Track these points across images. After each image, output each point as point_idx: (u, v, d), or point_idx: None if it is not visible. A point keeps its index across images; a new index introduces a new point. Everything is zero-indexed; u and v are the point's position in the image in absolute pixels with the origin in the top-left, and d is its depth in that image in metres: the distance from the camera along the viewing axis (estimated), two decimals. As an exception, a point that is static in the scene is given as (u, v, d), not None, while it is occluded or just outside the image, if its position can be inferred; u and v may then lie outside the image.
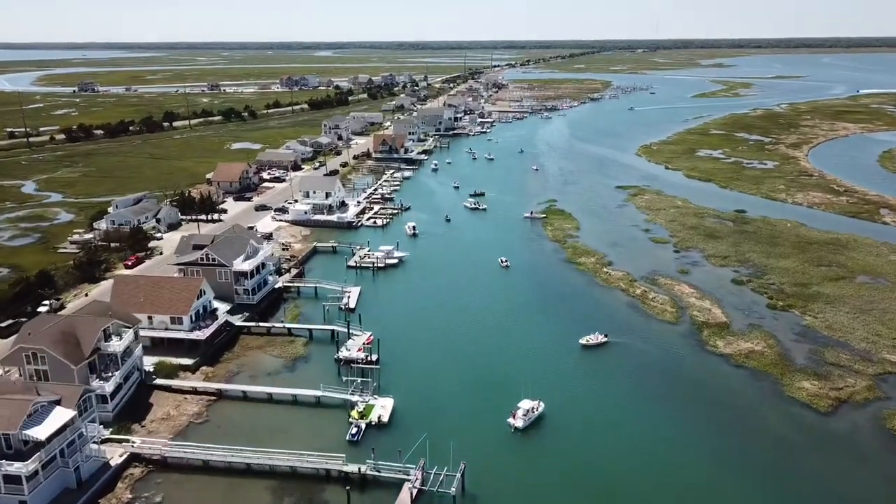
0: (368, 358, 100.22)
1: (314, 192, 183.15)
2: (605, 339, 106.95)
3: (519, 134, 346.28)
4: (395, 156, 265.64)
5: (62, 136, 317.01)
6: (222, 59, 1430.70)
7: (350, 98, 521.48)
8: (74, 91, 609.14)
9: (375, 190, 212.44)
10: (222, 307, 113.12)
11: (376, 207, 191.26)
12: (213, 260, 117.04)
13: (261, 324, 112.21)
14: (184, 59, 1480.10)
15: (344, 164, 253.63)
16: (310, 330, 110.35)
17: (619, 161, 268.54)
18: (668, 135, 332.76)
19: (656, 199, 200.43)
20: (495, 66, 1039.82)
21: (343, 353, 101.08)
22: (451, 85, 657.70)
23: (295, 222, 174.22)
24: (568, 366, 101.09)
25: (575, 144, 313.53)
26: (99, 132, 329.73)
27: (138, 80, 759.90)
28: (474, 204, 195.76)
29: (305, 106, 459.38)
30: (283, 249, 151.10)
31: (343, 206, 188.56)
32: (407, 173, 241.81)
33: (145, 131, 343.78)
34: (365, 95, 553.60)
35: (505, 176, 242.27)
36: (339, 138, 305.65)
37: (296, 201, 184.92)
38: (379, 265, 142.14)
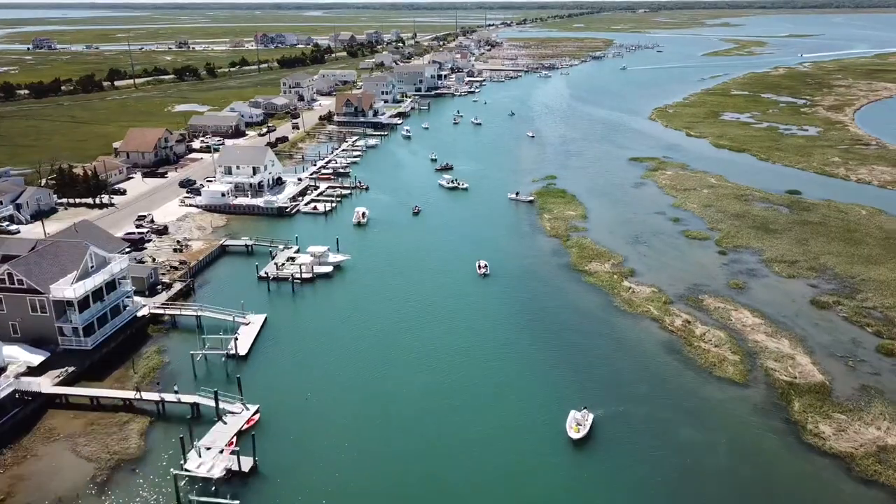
0: (232, 468, 58.55)
1: (238, 168, 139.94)
2: (591, 416, 65.76)
3: (512, 94, 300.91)
4: (362, 119, 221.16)
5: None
6: (206, 19, 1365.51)
7: (328, 57, 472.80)
8: (29, 49, 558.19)
9: (328, 163, 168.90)
10: (24, 361, 71.29)
11: (323, 186, 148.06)
12: (19, 282, 74.64)
13: (83, 391, 70.19)
14: (165, 18, 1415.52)
15: (296, 127, 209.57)
16: (159, 402, 68.47)
17: (631, 126, 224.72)
18: (684, 96, 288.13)
19: (683, 176, 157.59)
20: (489, 25, 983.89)
21: (191, 463, 59.08)
22: (441, 43, 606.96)
23: (209, 208, 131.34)
24: (575, 486, 59.71)
25: (577, 106, 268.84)
26: (24, 92, 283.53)
27: (108, 39, 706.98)
28: (451, 182, 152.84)
29: (276, 65, 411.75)
30: (177, 250, 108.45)
31: (279, 184, 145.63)
32: (372, 141, 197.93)
33: (80, 91, 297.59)
34: (344, 54, 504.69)
35: (494, 145, 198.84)
36: (301, 99, 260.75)
37: (214, 179, 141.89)
38: (303, 276, 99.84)
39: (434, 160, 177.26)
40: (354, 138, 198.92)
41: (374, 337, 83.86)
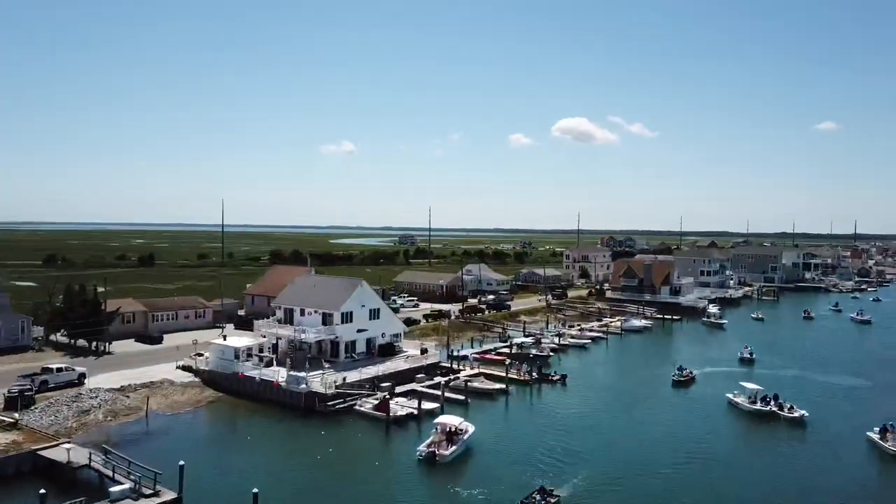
0: None
1: (303, 313, 74.37)
2: None
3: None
4: (647, 297, 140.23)
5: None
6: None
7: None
8: (394, 243, 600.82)
9: (535, 340, 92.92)
10: None
11: (468, 372, 72.36)
12: None
13: None
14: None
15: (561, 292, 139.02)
16: None
17: None
18: None
19: None
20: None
21: None
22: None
23: (210, 377, 66.42)
24: None
25: None
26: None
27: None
28: (757, 401, 64.57)
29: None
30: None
31: (386, 354, 75.16)
32: (639, 322, 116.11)
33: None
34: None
35: (887, 353, 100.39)
36: (584, 275, 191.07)
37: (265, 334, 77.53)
38: None
39: (750, 359, 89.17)
40: (615, 318, 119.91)
41: None
